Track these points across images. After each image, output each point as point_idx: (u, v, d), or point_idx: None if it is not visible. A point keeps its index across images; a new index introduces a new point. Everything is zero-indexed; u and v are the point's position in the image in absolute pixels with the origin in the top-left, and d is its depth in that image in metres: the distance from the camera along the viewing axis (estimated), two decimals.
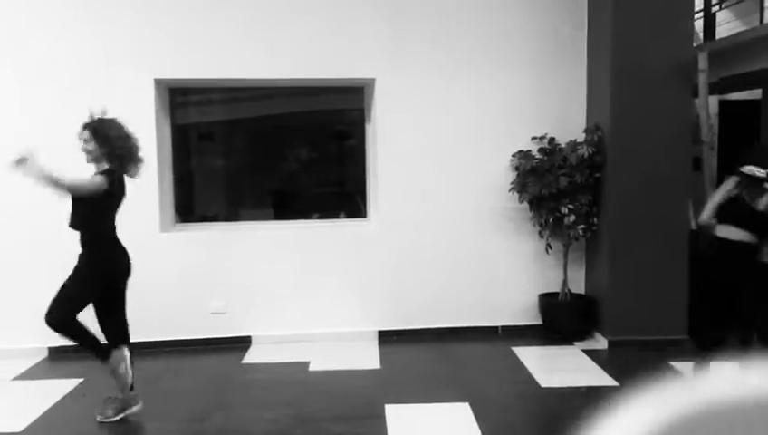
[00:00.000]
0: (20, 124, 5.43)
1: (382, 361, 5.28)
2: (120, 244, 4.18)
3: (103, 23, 5.48)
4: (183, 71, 5.59)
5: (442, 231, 5.88)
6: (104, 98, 5.47)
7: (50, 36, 5.44)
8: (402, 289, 5.87)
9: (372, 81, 5.79)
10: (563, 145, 5.71)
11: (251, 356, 5.46)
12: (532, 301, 5.97)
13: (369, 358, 5.35)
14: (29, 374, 5.15)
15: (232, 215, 7.08)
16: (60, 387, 4.77)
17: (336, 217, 6.54)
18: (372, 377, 4.93)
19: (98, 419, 4.13)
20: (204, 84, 6.07)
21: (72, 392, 4.69)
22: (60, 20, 5.44)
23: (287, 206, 7.34)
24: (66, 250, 5.41)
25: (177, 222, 6.03)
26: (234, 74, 5.64)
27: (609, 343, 5.49)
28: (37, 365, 5.36)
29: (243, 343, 5.72)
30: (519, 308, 5.99)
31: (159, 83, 5.65)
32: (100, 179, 3.97)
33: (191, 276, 5.69)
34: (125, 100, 5.51)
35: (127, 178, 4.17)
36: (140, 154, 4.17)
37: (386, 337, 5.85)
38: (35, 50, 5.43)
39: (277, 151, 7.44)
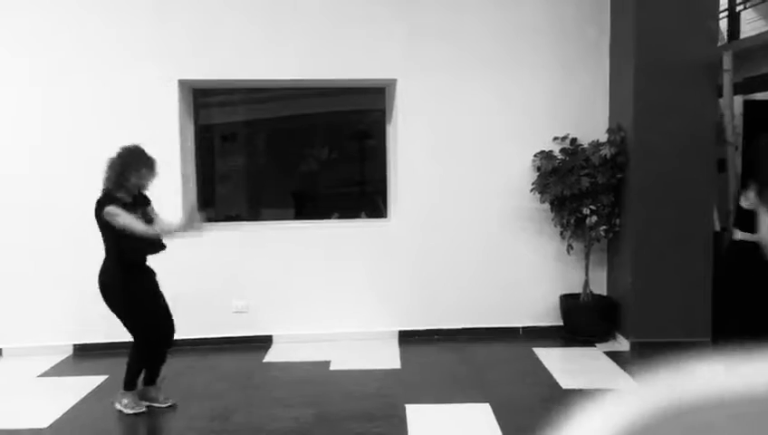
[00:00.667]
0: (44, 126, 5.52)
1: (403, 361, 5.29)
2: None
3: (128, 24, 5.55)
4: (207, 72, 5.65)
5: (463, 231, 5.87)
6: (128, 99, 5.59)
7: (74, 38, 5.52)
8: (423, 289, 5.88)
9: (394, 81, 5.80)
10: (585, 145, 5.67)
11: (272, 355, 5.50)
12: (554, 302, 5.94)
13: (389, 358, 5.36)
14: (54, 371, 5.23)
15: (254, 214, 7.14)
16: (85, 384, 4.84)
17: (357, 217, 6.56)
18: (393, 377, 4.94)
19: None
20: (227, 85, 6.12)
21: (96, 389, 4.75)
22: (84, 21, 5.52)
23: (308, 206, 7.38)
24: (92, 248, 5.50)
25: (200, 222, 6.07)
26: (257, 75, 5.68)
27: (632, 345, 5.45)
28: (62, 362, 5.44)
29: (264, 342, 5.76)
30: (540, 309, 5.96)
31: (183, 84, 5.71)
32: None
33: (213, 275, 5.74)
34: (149, 101, 5.59)
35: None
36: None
37: (407, 337, 5.86)
38: (60, 52, 5.51)
39: (298, 152, 7.49)
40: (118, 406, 4.30)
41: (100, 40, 5.54)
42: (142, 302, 4.21)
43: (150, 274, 4.32)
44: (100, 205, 4.04)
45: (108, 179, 4.11)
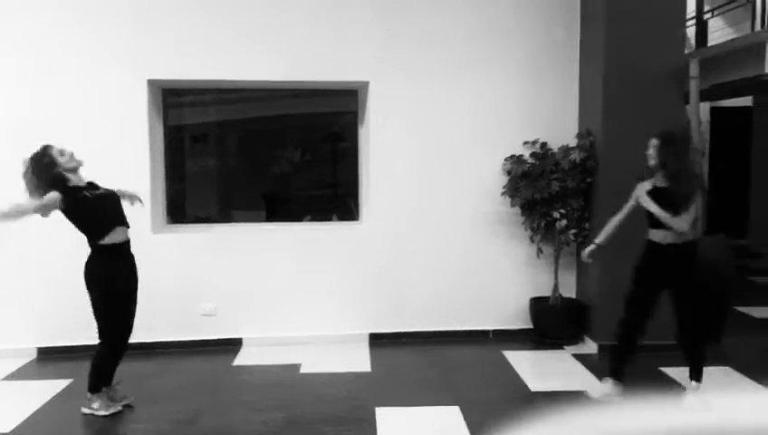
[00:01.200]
0: (13, 123, 5.40)
1: (373, 364, 5.28)
2: None
3: (97, 23, 5.47)
4: (176, 72, 5.58)
5: (434, 234, 5.89)
6: (97, 98, 5.50)
7: (45, 36, 5.42)
8: (393, 292, 5.88)
9: (366, 84, 5.80)
10: (555, 150, 5.73)
11: (242, 358, 5.45)
12: (524, 305, 5.98)
13: (360, 361, 5.35)
14: (18, 375, 5.12)
15: (224, 216, 7.08)
16: (49, 387, 4.75)
17: (328, 219, 6.54)
18: (363, 380, 4.93)
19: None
20: (197, 85, 6.07)
21: (61, 393, 4.67)
22: (55, 20, 5.42)
23: (279, 208, 7.34)
24: (58, 251, 5.41)
25: (168, 223, 6.01)
26: (227, 76, 5.64)
27: (600, 348, 5.51)
28: (26, 366, 5.33)
29: (233, 345, 5.71)
30: (510, 312, 6.00)
31: (152, 84, 5.64)
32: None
33: (182, 278, 5.68)
34: (118, 100, 5.51)
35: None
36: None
37: (377, 340, 5.85)
38: (31, 50, 5.41)
39: (270, 153, 7.44)
40: (87, 410, 4.23)
41: (72, 39, 5.45)
42: (118, 298, 4.21)
43: (131, 268, 4.32)
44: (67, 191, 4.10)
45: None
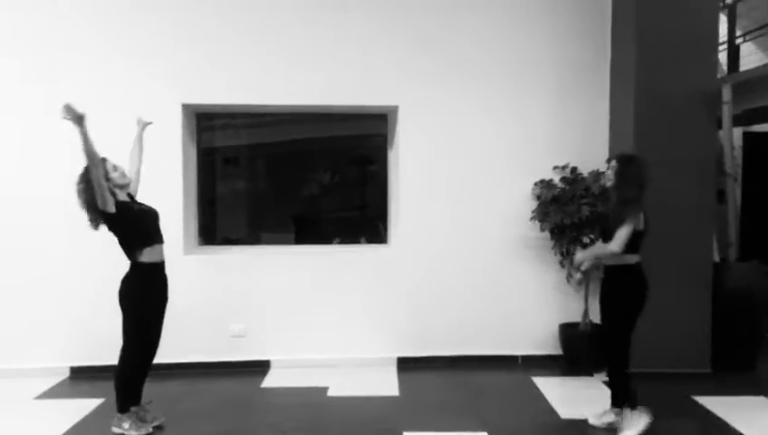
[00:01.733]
0: (50, 148, 5.54)
1: (401, 388, 5.26)
2: None
3: (132, 48, 5.61)
4: (210, 96, 5.70)
5: (462, 258, 5.88)
6: (130, 123, 5.61)
7: (80, 61, 5.57)
8: (422, 316, 5.86)
9: (395, 108, 5.85)
10: (586, 174, 5.70)
11: (270, 380, 5.47)
12: (553, 331, 5.93)
13: (387, 384, 5.33)
14: (51, 393, 5.19)
15: (254, 238, 7.14)
16: (81, 407, 4.81)
17: (357, 241, 6.57)
18: (391, 404, 4.91)
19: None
20: (230, 110, 6.17)
21: (92, 413, 4.72)
22: (91, 45, 5.58)
23: (308, 230, 7.38)
24: (91, 271, 5.52)
25: (200, 244, 6.09)
26: (259, 100, 5.73)
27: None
28: (59, 385, 5.41)
29: (262, 367, 5.74)
30: (539, 338, 5.95)
31: (187, 108, 5.76)
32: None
33: (212, 299, 5.73)
34: (152, 125, 5.62)
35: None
36: None
37: (405, 364, 5.83)
38: (65, 75, 5.56)
39: (299, 176, 7.50)
40: (118, 430, 4.27)
41: (107, 64, 5.60)
42: (150, 317, 4.30)
43: (164, 288, 4.39)
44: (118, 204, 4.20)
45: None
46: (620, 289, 4.27)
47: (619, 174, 4.21)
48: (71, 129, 3.98)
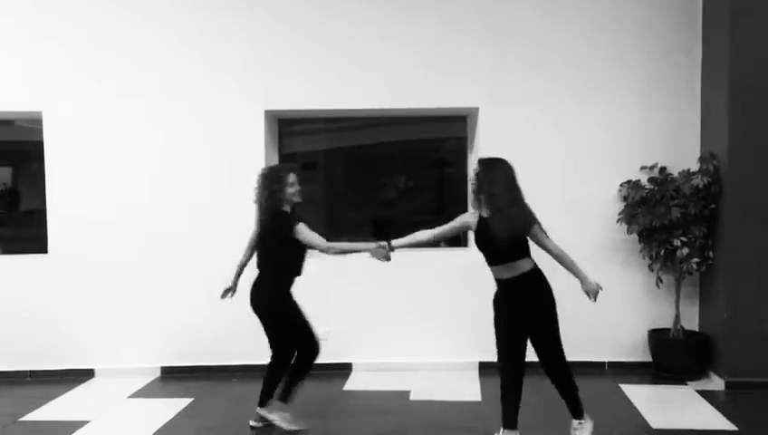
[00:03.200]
0: (136, 157, 5.77)
1: (483, 393, 5.19)
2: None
3: (214, 55, 5.77)
4: (292, 102, 5.80)
5: (545, 261, 5.73)
6: (216, 130, 5.78)
7: (163, 70, 5.78)
8: None
9: (476, 110, 5.78)
10: (675, 175, 5.48)
11: (352, 383, 5.50)
12: (641, 337, 5.72)
13: (470, 389, 5.27)
14: (143, 392, 5.39)
15: (332, 242, 7.19)
16: (172, 406, 4.96)
17: (437, 245, 6.52)
18: (473, 409, 4.85)
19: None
20: (311, 115, 6.25)
21: (182, 412, 4.86)
22: (173, 54, 5.78)
23: (387, 233, 7.38)
24: (184, 275, 5.71)
25: None
26: (340, 105, 5.79)
27: (727, 384, 5.17)
28: (151, 384, 5.61)
29: (344, 370, 5.78)
30: (627, 344, 5.76)
31: (269, 114, 5.87)
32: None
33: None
34: (236, 131, 5.77)
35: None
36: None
37: (488, 368, 5.74)
38: (151, 83, 5.77)
39: (377, 180, 7.53)
40: (271, 416, 4.35)
41: (189, 72, 5.78)
42: (300, 314, 4.44)
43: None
44: (286, 222, 4.25)
45: (272, 194, 4.25)
46: (548, 293, 4.02)
47: (481, 177, 3.95)
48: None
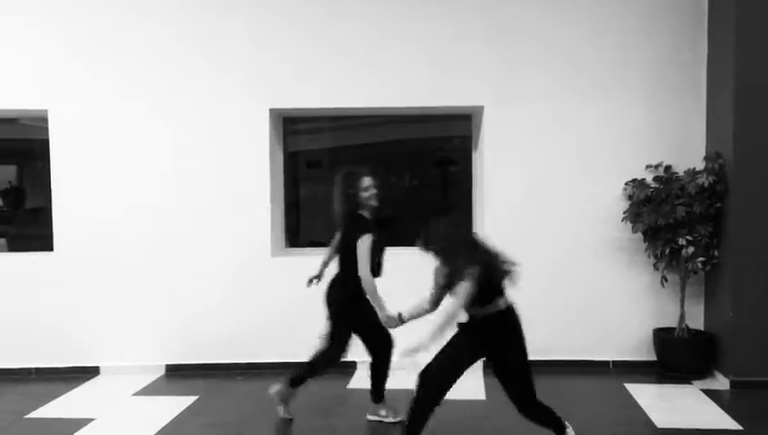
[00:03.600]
0: (141, 157, 5.78)
1: (488, 392, 5.19)
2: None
3: (218, 54, 5.77)
4: (296, 100, 5.80)
5: (551, 261, 5.74)
6: (221, 128, 5.79)
7: (167, 70, 5.78)
8: None
9: (481, 108, 5.78)
10: (681, 173, 5.47)
11: (356, 381, 5.50)
12: (646, 336, 5.71)
13: (474, 388, 5.27)
14: (148, 390, 5.40)
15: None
16: (177, 404, 4.97)
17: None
18: (477, 408, 4.85)
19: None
20: (315, 113, 6.26)
21: (187, 410, 4.87)
22: (176, 54, 5.78)
23: (392, 232, 7.39)
24: (188, 272, 5.72)
25: (286, 247, 6.20)
26: (345, 103, 5.79)
27: (732, 384, 5.16)
28: (156, 381, 5.62)
29: (348, 368, 5.77)
30: (632, 343, 5.75)
31: (274, 112, 5.88)
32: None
33: (300, 299, 5.80)
34: (241, 129, 5.77)
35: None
36: None
37: (490, 368, 5.73)
38: (154, 83, 5.78)
39: (381, 178, 7.54)
40: (376, 417, 4.54)
41: (194, 71, 5.78)
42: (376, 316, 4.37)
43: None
44: (364, 228, 4.27)
45: (351, 199, 4.31)
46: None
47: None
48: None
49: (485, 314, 3.79)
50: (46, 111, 5.81)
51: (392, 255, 6.00)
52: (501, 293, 3.82)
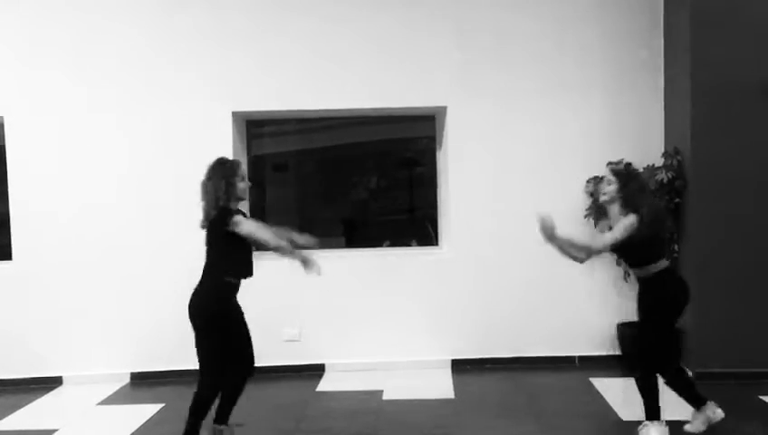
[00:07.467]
0: (101, 160, 5.69)
1: (456, 390, 5.21)
2: None
3: (181, 57, 5.71)
4: (259, 103, 5.76)
5: (516, 259, 5.79)
6: (183, 130, 5.72)
7: (130, 71, 5.70)
8: (476, 318, 5.80)
9: (444, 109, 5.81)
10: (641, 170, 5.55)
11: (325, 384, 5.48)
12: (611, 331, 5.79)
13: (443, 387, 5.29)
14: (112, 399, 5.31)
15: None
16: (142, 412, 4.90)
17: (407, 244, 6.54)
18: (447, 407, 4.87)
19: None
20: (279, 116, 6.23)
21: (152, 418, 4.80)
22: (138, 55, 5.70)
23: (358, 233, 7.39)
24: (151, 279, 5.63)
25: (253, 250, 6.13)
26: (309, 105, 5.77)
27: (695, 375, 5.25)
28: (120, 390, 5.53)
29: (316, 371, 5.76)
30: (597, 338, 5.82)
31: (237, 115, 5.83)
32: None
33: (265, 304, 5.76)
34: (203, 132, 5.71)
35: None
36: None
37: (460, 366, 5.77)
38: (114, 84, 5.69)
39: (347, 180, 7.54)
40: None
41: (156, 73, 5.71)
42: (230, 327, 4.05)
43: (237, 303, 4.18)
44: (222, 217, 3.88)
45: (217, 195, 3.95)
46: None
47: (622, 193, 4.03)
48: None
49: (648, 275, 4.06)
50: (1, 117, 5.68)
51: (357, 256, 6.02)
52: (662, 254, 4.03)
